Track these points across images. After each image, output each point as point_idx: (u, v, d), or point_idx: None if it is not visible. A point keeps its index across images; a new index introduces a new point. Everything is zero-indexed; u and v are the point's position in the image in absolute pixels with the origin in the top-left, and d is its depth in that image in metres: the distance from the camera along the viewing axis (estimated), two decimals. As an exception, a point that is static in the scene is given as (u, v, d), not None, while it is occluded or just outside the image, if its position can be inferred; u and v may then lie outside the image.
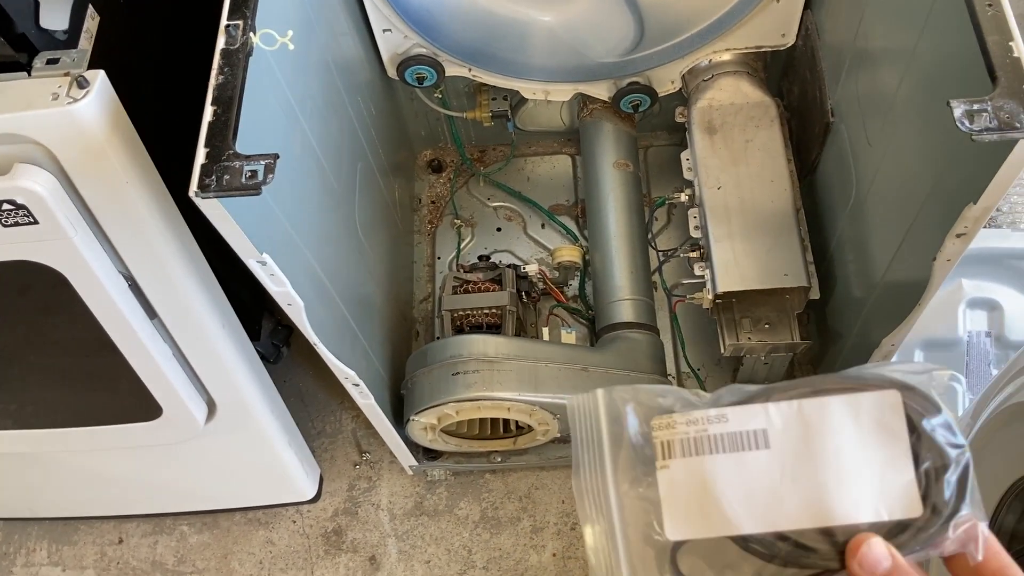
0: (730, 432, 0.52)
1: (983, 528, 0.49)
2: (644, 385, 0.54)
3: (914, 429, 0.50)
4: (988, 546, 0.48)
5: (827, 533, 0.50)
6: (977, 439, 1.03)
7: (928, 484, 0.50)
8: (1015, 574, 0.48)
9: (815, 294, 1.32)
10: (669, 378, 1.49)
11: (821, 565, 0.50)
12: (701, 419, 0.52)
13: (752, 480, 0.51)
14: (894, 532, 0.49)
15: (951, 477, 0.49)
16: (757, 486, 0.51)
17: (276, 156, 0.77)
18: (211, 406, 1.26)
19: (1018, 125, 0.73)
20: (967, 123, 0.74)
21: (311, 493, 1.58)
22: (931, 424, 0.50)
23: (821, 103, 1.33)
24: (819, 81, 1.34)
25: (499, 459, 1.54)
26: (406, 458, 1.51)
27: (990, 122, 0.73)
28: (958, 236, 0.88)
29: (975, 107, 0.74)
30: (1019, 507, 0.96)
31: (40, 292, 1.03)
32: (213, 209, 0.79)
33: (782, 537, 0.50)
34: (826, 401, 0.51)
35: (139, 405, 1.20)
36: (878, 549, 0.48)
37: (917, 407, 0.50)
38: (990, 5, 0.79)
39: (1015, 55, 0.76)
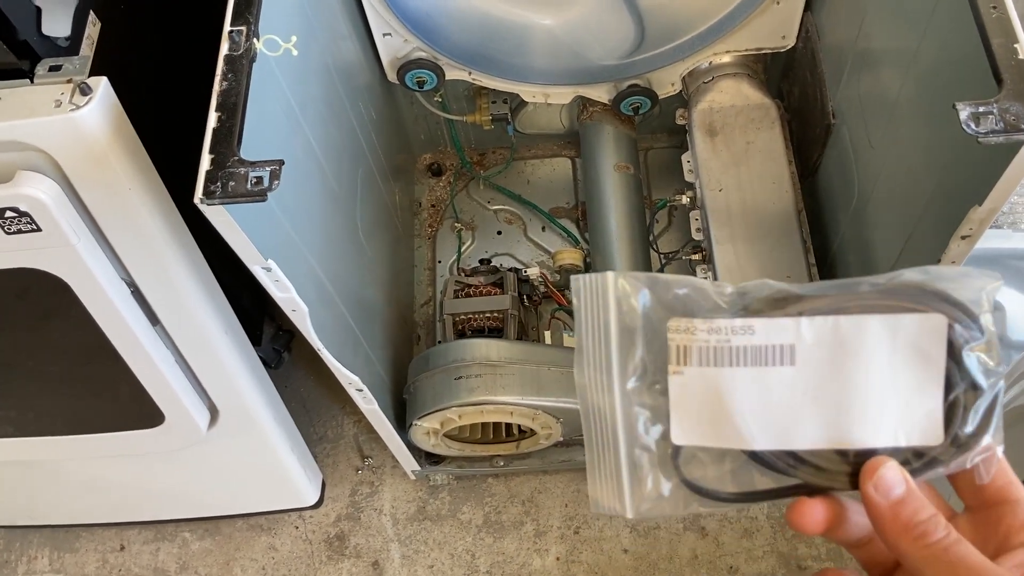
0: (755, 345, 0.48)
1: (999, 453, 0.48)
2: (662, 274, 0.50)
3: (952, 353, 0.48)
4: (998, 468, 0.48)
5: (842, 454, 0.49)
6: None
7: (954, 413, 0.48)
8: (1018, 491, 0.48)
9: (818, 296, 1.32)
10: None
11: (833, 485, 0.49)
12: (725, 328, 0.49)
13: (771, 396, 0.49)
14: (910, 458, 0.49)
15: (979, 406, 0.48)
16: (775, 402, 0.49)
17: (281, 162, 0.76)
18: (213, 412, 1.26)
19: (1024, 127, 0.73)
20: (973, 125, 0.74)
21: (313, 499, 1.58)
22: (971, 349, 0.48)
23: (822, 105, 1.34)
24: (820, 83, 1.34)
25: (502, 463, 1.53)
26: (409, 463, 1.51)
27: (996, 124, 0.73)
28: (963, 238, 0.87)
29: (981, 109, 0.74)
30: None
31: (42, 299, 1.03)
32: (218, 216, 0.79)
33: (795, 455, 0.49)
34: (864, 320, 0.48)
35: (141, 412, 1.20)
36: (893, 473, 0.47)
37: (961, 329, 0.48)
38: (994, 7, 0.79)
39: (1020, 57, 0.76)
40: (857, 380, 0.48)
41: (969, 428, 0.48)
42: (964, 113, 0.74)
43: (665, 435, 0.51)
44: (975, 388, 0.48)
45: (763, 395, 0.49)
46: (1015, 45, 0.77)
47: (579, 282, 0.51)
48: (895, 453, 0.48)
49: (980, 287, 0.48)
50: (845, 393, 0.48)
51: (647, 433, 0.51)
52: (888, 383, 0.48)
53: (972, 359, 0.48)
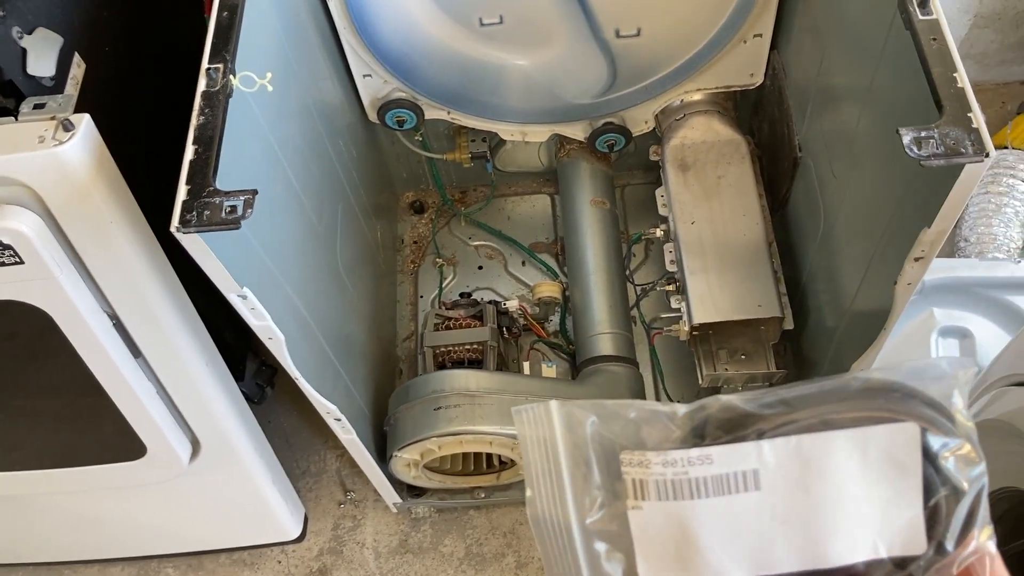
0: (715, 475, 0.46)
1: (990, 558, 0.46)
2: (608, 401, 0.48)
3: (928, 457, 0.46)
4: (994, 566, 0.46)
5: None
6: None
7: (936, 518, 0.46)
8: None
9: (789, 324, 1.35)
10: (649, 411, 1.51)
11: None
12: (681, 460, 0.46)
13: (739, 524, 0.46)
14: (893, 570, 0.46)
15: (962, 508, 0.45)
16: (744, 530, 0.46)
17: (255, 192, 0.79)
18: (195, 445, 1.27)
19: (963, 151, 0.77)
20: (916, 149, 0.77)
21: (296, 533, 1.58)
22: (949, 452, 0.45)
23: (789, 139, 1.38)
24: (787, 118, 1.38)
25: (483, 495, 1.55)
26: (390, 495, 1.52)
27: (937, 148, 0.77)
28: (916, 260, 0.91)
29: (923, 134, 0.78)
30: (995, 517, 0.98)
31: (25, 332, 1.05)
32: (194, 244, 0.81)
33: None
34: (830, 437, 0.46)
35: (123, 444, 1.21)
36: None
37: (936, 434, 0.45)
38: (934, 39, 0.84)
39: (959, 85, 0.80)
40: (829, 498, 0.46)
41: (953, 532, 0.46)
42: (907, 138, 0.78)
43: (631, 569, 0.48)
44: (956, 491, 0.46)
45: (731, 524, 0.46)
46: (954, 74, 0.81)
47: (521, 414, 0.49)
48: (877, 566, 0.46)
49: (951, 382, 0.46)
50: (818, 512, 0.46)
51: (612, 567, 0.49)
52: (862, 496, 0.46)
53: (950, 462, 0.46)
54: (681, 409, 0.48)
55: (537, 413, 0.48)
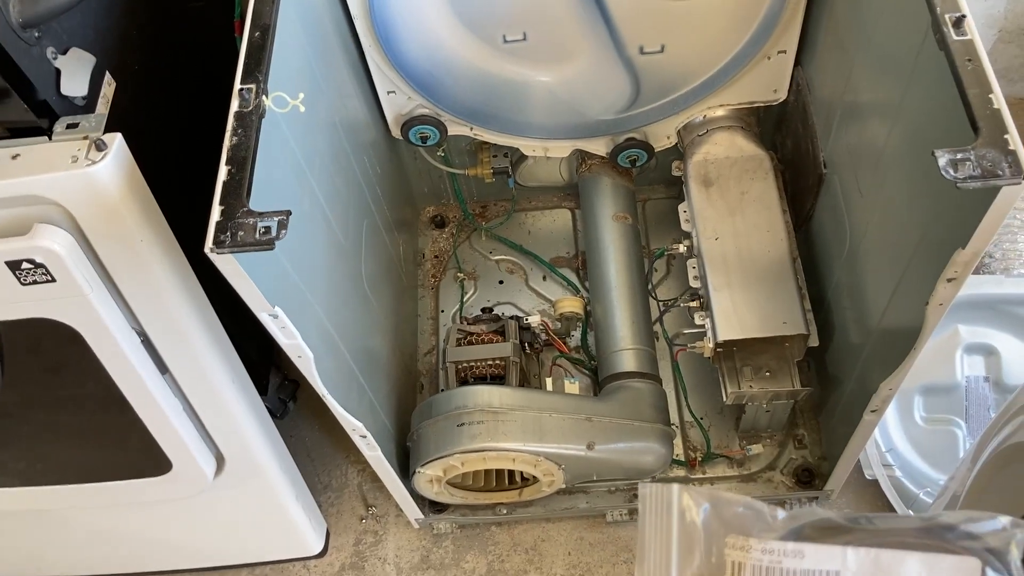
0: (804, 569, 0.52)
1: None
2: (723, 492, 0.55)
3: None
4: None
5: None
6: (977, 481, 1.04)
7: None
8: None
9: (814, 341, 1.34)
10: (673, 427, 1.50)
11: None
12: (778, 550, 0.52)
13: None
14: None
15: None
16: None
17: (288, 212, 0.80)
18: (220, 460, 1.28)
19: (1000, 173, 0.76)
20: (952, 172, 0.77)
21: (318, 548, 1.58)
22: None
23: (814, 155, 1.37)
24: (811, 134, 1.38)
25: (505, 511, 1.54)
26: (412, 511, 1.52)
27: (974, 170, 0.77)
28: (949, 281, 0.90)
29: (959, 156, 0.77)
30: (1022, 548, 0.97)
31: (53, 349, 1.05)
32: (227, 264, 0.82)
33: None
34: (904, 556, 0.51)
35: (148, 460, 1.21)
36: None
37: (995, 572, 0.51)
38: (969, 60, 0.83)
39: (995, 106, 0.80)
40: None
41: None
42: (943, 160, 0.78)
43: None
44: None
45: None
46: (990, 95, 0.80)
47: (645, 490, 0.55)
48: None
49: (1010, 536, 0.52)
50: None
51: None
52: None
53: None
54: (781, 513, 0.54)
55: (659, 492, 0.55)
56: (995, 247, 1.65)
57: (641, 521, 0.54)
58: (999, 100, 0.80)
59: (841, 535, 0.52)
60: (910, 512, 1.46)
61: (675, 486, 0.54)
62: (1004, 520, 0.52)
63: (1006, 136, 0.78)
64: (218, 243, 0.80)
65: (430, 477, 1.39)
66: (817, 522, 0.53)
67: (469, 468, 1.38)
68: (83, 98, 0.95)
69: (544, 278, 1.78)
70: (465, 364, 1.53)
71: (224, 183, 0.83)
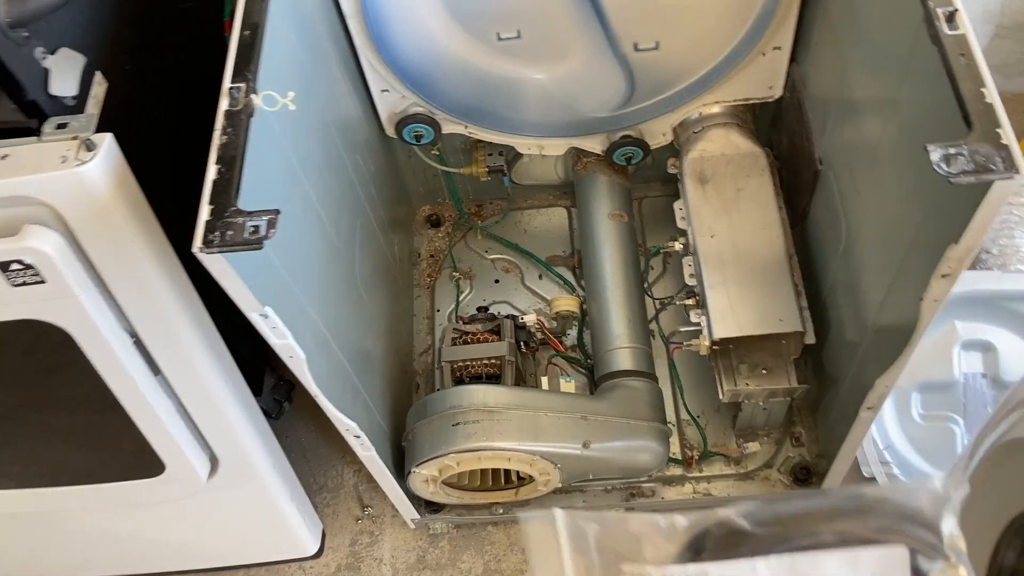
0: None
1: None
2: (610, 512, 0.50)
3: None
4: None
5: None
6: (975, 477, 1.04)
7: None
8: None
9: (810, 339, 1.33)
10: (669, 425, 1.50)
11: None
12: (678, 575, 0.48)
13: None
14: None
15: None
16: None
17: (277, 212, 0.79)
18: (214, 461, 1.27)
19: (993, 167, 0.76)
20: (944, 166, 0.76)
21: (313, 549, 1.58)
22: (939, 572, 0.47)
23: (809, 152, 1.37)
24: (806, 131, 1.37)
25: (501, 511, 1.54)
26: (408, 511, 1.51)
27: (967, 165, 0.76)
28: (943, 276, 0.90)
29: (952, 151, 0.77)
30: (1019, 544, 0.96)
31: (45, 351, 1.05)
32: (216, 264, 0.81)
33: None
34: (821, 557, 0.47)
35: (142, 462, 1.21)
36: None
37: (925, 556, 0.46)
38: (962, 55, 0.83)
39: (988, 101, 0.79)
40: None
41: None
42: (936, 155, 0.77)
43: None
44: None
45: None
46: (982, 89, 0.80)
47: (527, 523, 0.51)
48: None
49: (944, 501, 0.47)
50: None
51: None
52: None
53: None
54: (681, 522, 0.49)
55: (542, 520, 0.50)
56: (992, 243, 1.65)
57: (529, 554, 0.50)
58: (992, 95, 0.80)
59: (748, 543, 0.48)
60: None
61: (557, 510, 0.49)
62: (930, 484, 0.47)
63: (999, 130, 0.78)
64: (207, 243, 0.79)
65: (426, 477, 1.39)
66: (718, 528, 0.48)
67: (465, 468, 1.38)
68: (73, 98, 0.95)
69: (540, 277, 1.77)
70: (461, 363, 1.53)
71: (213, 182, 0.83)
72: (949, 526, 0.46)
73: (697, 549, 0.48)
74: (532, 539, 0.50)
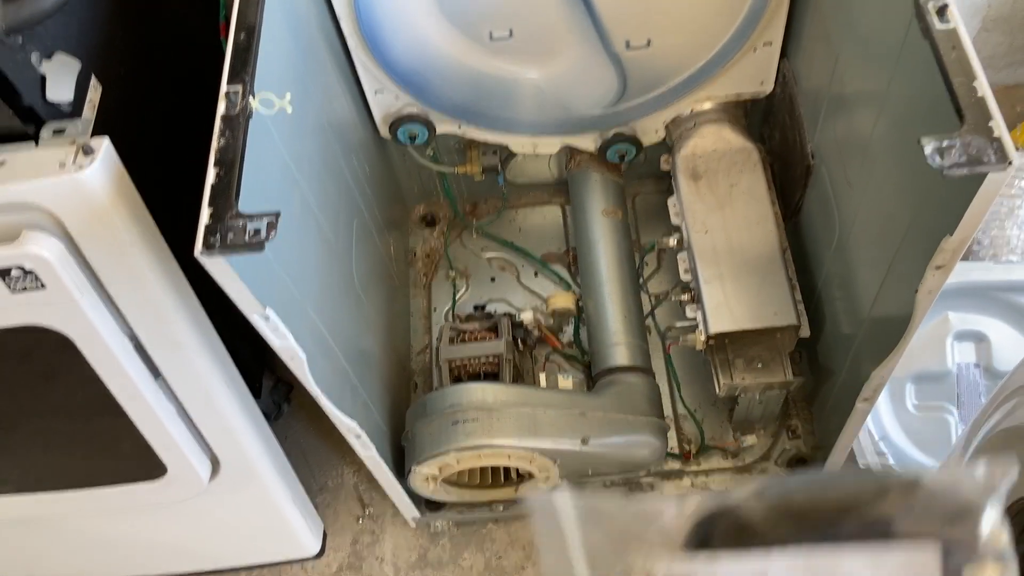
0: None
1: None
2: (617, 495, 0.50)
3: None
4: None
5: None
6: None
7: None
8: None
9: (805, 332, 1.34)
10: (666, 420, 1.51)
11: None
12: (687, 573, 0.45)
13: None
14: None
15: None
16: None
17: (278, 214, 0.80)
18: (215, 464, 1.28)
19: (986, 159, 0.77)
20: (938, 159, 0.77)
21: (315, 549, 1.58)
22: (971, 573, 0.41)
23: (801, 147, 1.38)
24: (798, 126, 1.38)
25: (502, 508, 1.54)
26: (409, 510, 1.52)
27: (959, 157, 0.77)
28: (937, 268, 0.91)
29: (945, 144, 0.78)
30: (1015, 532, 0.97)
31: (45, 356, 1.05)
32: (217, 267, 0.82)
33: None
34: (842, 555, 0.42)
35: (143, 465, 1.21)
36: None
37: (963, 550, 0.41)
38: (954, 48, 0.84)
39: (979, 94, 0.80)
40: None
41: None
42: (929, 148, 0.78)
43: None
44: None
45: None
46: (974, 83, 0.81)
47: (533, 504, 0.48)
48: None
49: (986, 490, 0.41)
50: None
51: None
52: None
53: None
54: (688, 508, 0.46)
55: (547, 503, 0.48)
56: (983, 234, 1.66)
57: (537, 539, 0.48)
58: (983, 87, 0.81)
59: (758, 536, 0.43)
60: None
61: (564, 493, 0.46)
62: (979, 469, 0.41)
63: (991, 123, 0.79)
64: (208, 246, 0.80)
65: (426, 475, 1.40)
66: (728, 511, 0.44)
67: (464, 466, 1.38)
68: (69, 103, 0.95)
69: (536, 274, 1.78)
70: (459, 362, 1.53)
71: (212, 186, 0.83)
72: (991, 520, 0.41)
73: (704, 536, 0.45)
74: (539, 520, 0.48)
